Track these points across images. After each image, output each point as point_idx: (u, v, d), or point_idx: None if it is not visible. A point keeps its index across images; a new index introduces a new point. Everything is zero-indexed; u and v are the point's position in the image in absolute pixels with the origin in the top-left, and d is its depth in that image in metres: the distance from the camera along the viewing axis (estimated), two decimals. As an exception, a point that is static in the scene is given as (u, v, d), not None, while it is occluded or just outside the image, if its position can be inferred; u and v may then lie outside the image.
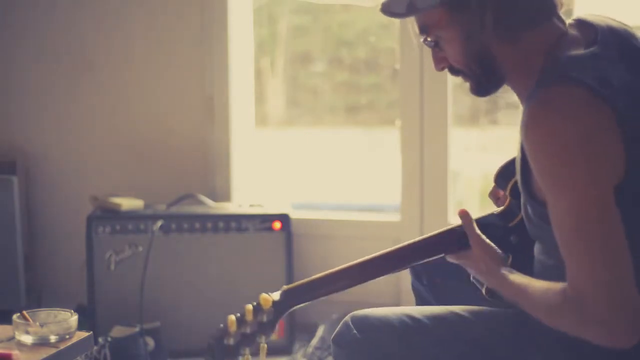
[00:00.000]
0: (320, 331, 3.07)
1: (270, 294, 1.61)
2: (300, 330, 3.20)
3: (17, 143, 3.52)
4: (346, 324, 1.71)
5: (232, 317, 1.58)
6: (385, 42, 3.54)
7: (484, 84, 1.62)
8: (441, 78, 3.16)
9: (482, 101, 3.52)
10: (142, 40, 3.43)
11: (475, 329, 1.66)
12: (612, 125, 1.44)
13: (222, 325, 1.59)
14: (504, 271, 1.61)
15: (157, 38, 3.42)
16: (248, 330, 1.58)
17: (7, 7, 3.51)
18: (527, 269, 1.64)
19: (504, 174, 1.75)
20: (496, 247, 1.65)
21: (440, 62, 1.65)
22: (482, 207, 3.51)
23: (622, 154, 1.45)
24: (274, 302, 1.61)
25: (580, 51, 1.52)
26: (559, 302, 1.46)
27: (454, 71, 1.65)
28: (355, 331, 1.69)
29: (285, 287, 1.65)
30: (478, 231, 1.67)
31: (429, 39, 1.62)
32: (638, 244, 1.44)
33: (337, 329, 1.73)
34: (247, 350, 1.59)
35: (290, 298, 1.64)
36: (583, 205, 1.42)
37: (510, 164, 1.73)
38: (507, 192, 1.74)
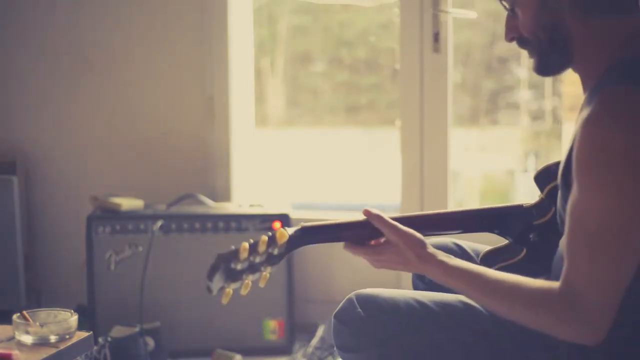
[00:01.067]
0: (320, 331, 3.07)
1: (287, 228, 1.61)
2: (300, 330, 3.20)
3: (17, 143, 3.52)
4: (350, 301, 1.70)
5: (246, 245, 1.57)
6: (385, 42, 3.54)
7: (549, 58, 1.59)
8: (441, 78, 3.16)
9: (482, 101, 3.52)
10: (142, 40, 3.43)
11: (483, 319, 1.65)
12: None
13: (233, 247, 1.58)
14: (443, 257, 1.59)
15: (157, 38, 3.42)
16: (257, 259, 1.58)
17: (7, 7, 3.51)
18: (537, 268, 1.64)
19: (545, 175, 1.75)
20: (413, 231, 1.62)
21: (511, 30, 1.62)
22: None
23: None
24: (290, 237, 1.60)
25: None
26: (543, 295, 1.47)
27: (522, 43, 1.62)
28: (359, 309, 1.67)
29: (303, 224, 1.64)
30: (392, 221, 1.64)
31: (505, 2, 1.61)
32: None
33: (340, 305, 1.71)
34: (250, 277, 1.59)
35: (305, 235, 1.63)
36: (609, 210, 1.41)
37: (554, 165, 1.72)
38: (544, 193, 1.74)
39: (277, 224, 1.64)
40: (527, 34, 1.59)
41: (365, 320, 1.66)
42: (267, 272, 1.60)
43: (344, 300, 1.71)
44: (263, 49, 3.62)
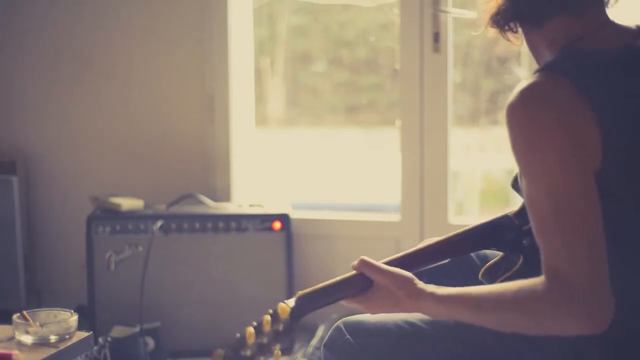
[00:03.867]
0: (320, 331, 3.07)
1: (286, 301, 1.60)
2: (300, 330, 3.20)
3: (17, 143, 3.52)
4: (338, 329, 1.69)
5: (251, 329, 1.57)
6: (385, 42, 3.54)
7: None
8: (441, 78, 3.16)
9: (482, 101, 3.52)
10: (142, 40, 3.44)
11: (474, 330, 1.65)
12: (587, 112, 1.44)
13: (238, 335, 1.58)
14: (432, 288, 1.57)
15: (157, 38, 3.42)
16: (265, 340, 1.57)
17: (7, 7, 3.51)
18: (537, 270, 1.64)
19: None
20: (400, 270, 1.61)
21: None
22: (482, 207, 3.52)
23: (598, 140, 1.44)
24: (291, 310, 1.58)
25: (602, 48, 1.52)
26: (530, 292, 1.45)
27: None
28: (348, 336, 1.67)
29: (299, 292, 1.62)
30: (380, 264, 1.63)
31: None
32: (611, 233, 1.45)
33: (328, 335, 1.71)
34: (262, 359, 1.58)
35: (305, 304, 1.60)
36: (555, 189, 1.43)
37: None
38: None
39: (282, 307, 1.60)
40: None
41: (355, 347, 1.66)
42: (277, 350, 1.58)
43: (331, 329, 1.71)
44: (263, 49, 3.62)
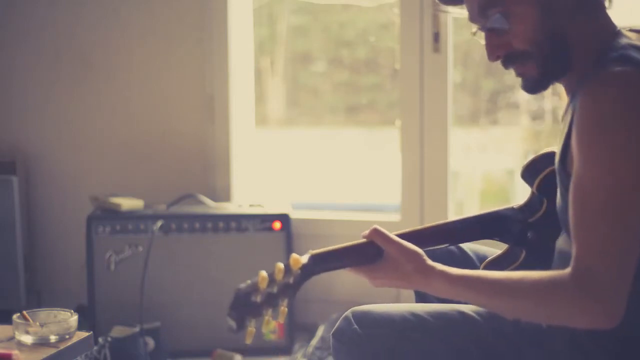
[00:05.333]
0: (320, 331, 3.07)
1: (299, 256, 1.59)
2: (300, 330, 3.20)
3: (17, 143, 3.52)
4: (347, 319, 1.70)
5: (264, 274, 1.53)
6: (385, 42, 3.54)
7: (549, 69, 1.56)
8: (441, 78, 3.16)
9: (482, 101, 3.52)
10: (142, 40, 3.43)
11: (480, 328, 1.65)
12: None
13: (250, 281, 1.54)
14: (443, 267, 1.57)
15: (157, 38, 3.42)
16: (275, 289, 1.53)
17: (7, 7, 3.51)
18: (539, 266, 1.63)
19: (532, 169, 1.74)
20: (411, 245, 1.61)
21: (499, 48, 1.57)
22: (482, 207, 3.52)
23: None
24: (303, 265, 1.57)
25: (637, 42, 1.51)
26: (553, 283, 1.44)
27: (511, 60, 1.58)
28: (356, 326, 1.67)
29: (312, 251, 1.62)
30: (393, 236, 1.63)
31: (494, 16, 1.56)
32: None
33: (337, 324, 1.71)
34: (270, 312, 1.54)
35: (317, 263, 1.60)
36: (615, 182, 1.41)
37: (538, 160, 1.72)
38: (534, 188, 1.73)
39: (295, 259, 1.58)
40: (526, 46, 1.55)
41: (362, 336, 1.66)
42: (284, 305, 1.56)
43: (340, 319, 1.72)
44: (263, 49, 3.62)
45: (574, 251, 1.45)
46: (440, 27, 3.12)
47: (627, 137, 1.41)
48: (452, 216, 3.23)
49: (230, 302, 1.52)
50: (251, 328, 1.53)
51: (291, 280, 1.55)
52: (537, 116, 3.50)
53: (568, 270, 1.45)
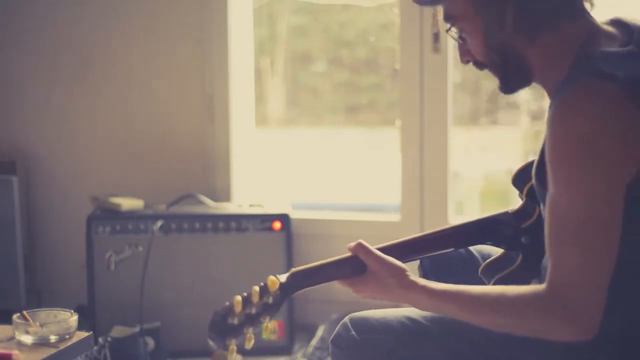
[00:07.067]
0: (320, 331, 3.07)
1: (277, 275, 1.60)
2: (300, 330, 3.20)
3: (17, 143, 3.52)
4: (345, 325, 1.71)
5: (239, 298, 1.57)
6: (385, 42, 3.54)
7: (508, 79, 1.61)
8: (441, 78, 3.16)
9: (482, 101, 3.52)
10: (142, 39, 3.43)
11: (474, 329, 1.66)
12: (636, 123, 1.43)
13: (227, 303, 1.59)
14: (424, 282, 1.60)
15: (157, 38, 3.42)
16: (253, 311, 1.57)
17: (7, 7, 3.51)
18: (535, 271, 1.64)
19: (523, 175, 1.74)
20: (393, 260, 1.63)
21: (465, 54, 1.64)
22: (482, 206, 3.51)
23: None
24: (281, 284, 1.59)
25: (614, 48, 1.51)
26: (530, 299, 1.46)
27: (479, 65, 1.63)
28: (353, 332, 1.68)
29: (293, 269, 1.64)
30: (376, 250, 1.65)
31: (453, 30, 1.62)
32: (633, 242, 1.45)
33: (335, 330, 1.73)
34: (251, 330, 1.58)
35: (297, 280, 1.63)
36: (585, 200, 1.42)
37: (529, 165, 1.72)
38: (524, 194, 1.74)
39: (272, 280, 1.60)
40: (480, 58, 1.61)
41: (360, 342, 1.67)
42: (267, 322, 1.59)
43: (338, 325, 1.73)
44: (263, 49, 3.62)
45: (549, 267, 1.47)
46: (440, 27, 3.12)
47: (598, 159, 1.42)
48: (452, 216, 3.23)
49: (208, 323, 1.57)
50: (232, 346, 1.58)
51: (270, 300, 1.58)
52: (537, 116, 3.50)
53: (544, 285, 1.47)
